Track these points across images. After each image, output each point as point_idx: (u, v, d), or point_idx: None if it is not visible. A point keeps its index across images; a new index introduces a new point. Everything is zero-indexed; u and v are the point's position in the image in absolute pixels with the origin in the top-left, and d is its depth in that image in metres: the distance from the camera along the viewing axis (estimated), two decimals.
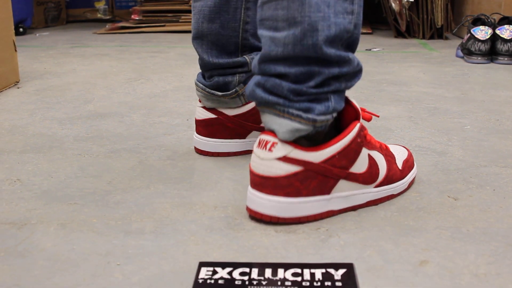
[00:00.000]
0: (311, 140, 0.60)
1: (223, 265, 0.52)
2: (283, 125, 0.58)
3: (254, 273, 0.50)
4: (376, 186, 0.66)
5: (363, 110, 0.67)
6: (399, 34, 2.58)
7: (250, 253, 0.56)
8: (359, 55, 2.01)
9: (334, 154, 0.60)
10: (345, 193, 0.63)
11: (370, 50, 2.17)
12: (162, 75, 1.60)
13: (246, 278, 0.50)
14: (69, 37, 2.70)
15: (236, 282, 0.49)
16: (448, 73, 1.65)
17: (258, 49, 0.82)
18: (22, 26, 2.76)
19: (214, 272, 0.51)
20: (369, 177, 0.65)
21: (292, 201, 0.59)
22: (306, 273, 0.50)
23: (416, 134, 1.00)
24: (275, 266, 0.52)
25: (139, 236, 0.60)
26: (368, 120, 0.67)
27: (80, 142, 0.95)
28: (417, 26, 2.53)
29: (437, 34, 2.52)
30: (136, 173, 0.80)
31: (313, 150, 0.59)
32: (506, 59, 1.80)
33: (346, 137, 0.60)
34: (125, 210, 0.66)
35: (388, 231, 0.60)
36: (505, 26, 1.83)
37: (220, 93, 0.81)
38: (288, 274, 0.50)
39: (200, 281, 0.49)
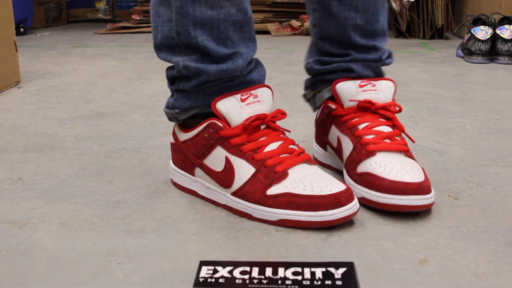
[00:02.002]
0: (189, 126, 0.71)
1: (224, 264, 0.52)
2: None
3: (255, 272, 0.51)
4: (232, 194, 0.64)
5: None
6: (400, 34, 2.57)
7: (250, 252, 0.56)
8: None
9: (186, 139, 0.70)
10: (206, 183, 0.68)
11: None
12: (163, 75, 1.60)
13: (246, 277, 0.50)
14: (70, 37, 2.70)
15: (237, 281, 0.49)
16: (449, 73, 1.65)
17: (324, 52, 0.78)
18: (23, 26, 2.76)
19: (215, 271, 0.51)
20: (222, 179, 0.65)
21: (172, 166, 0.74)
22: (307, 272, 0.51)
23: (417, 133, 1.00)
24: (275, 265, 0.52)
25: (140, 235, 0.60)
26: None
27: (81, 142, 0.95)
28: (417, 26, 2.53)
29: (438, 34, 2.52)
30: (137, 172, 0.80)
31: (182, 130, 0.71)
32: (506, 59, 1.80)
33: (195, 130, 0.68)
34: (126, 210, 0.67)
35: (388, 230, 0.61)
36: (506, 26, 1.83)
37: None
38: (289, 273, 0.50)
39: (201, 280, 0.49)
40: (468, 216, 0.64)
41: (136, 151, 0.90)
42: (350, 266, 0.51)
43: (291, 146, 0.66)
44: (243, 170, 0.64)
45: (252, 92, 0.67)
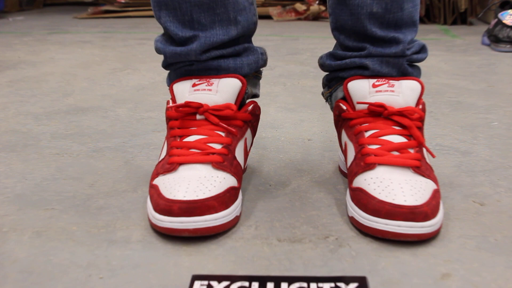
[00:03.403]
0: None
1: (219, 278, 0.52)
2: None
3: (255, 287, 0.50)
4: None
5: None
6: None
7: (249, 265, 0.56)
8: None
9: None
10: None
11: None
12: (151, 64, 1.59)
13: None
14: (47, 22, 2.70)
15: None
16: (473, 62, 1.65)
17: (341, 46, 0.76)
18: None
19: (209, 287, 0.50)
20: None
21: None
22: (313, 287, 0.50)
23: (437, 131, 0.99)
24: (278, 280, 0.51)
25: (125, 245, 0.60)
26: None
27: (58, 140, 0.95)
28: (437, 10, 2.52)
29: (460, 19, 2.52)
30: (121, 174, 0.80)
31: None
32: None
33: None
34: (109, 217, 0.66)
35: (405, 240, 0.60)
36: None
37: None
38: None
39: None
40: (496, 225, 0.64)
41: (121, 151, 0.90)
42: (362, 281, 0.51)
43: (212, 145, 0.67)
44: (162, 154, 0.70)
45: (211, 80, 0.70)
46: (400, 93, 0.69)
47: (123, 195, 0.73)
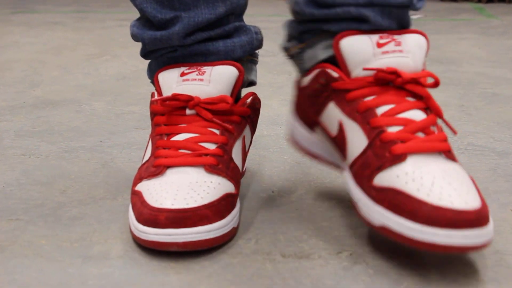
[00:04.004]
0: None
1: None
2: None
3: None
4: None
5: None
6: None
7: (249, 284, 0.56)
8: None
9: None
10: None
11: None
12: (133, 50, 1.59)
13: None
14: None
15: None
16: None
17: None
18: None
19: None
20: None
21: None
22: None
23: (469, 128, 1.00)
24: None
25: (103, 262, 0.60)
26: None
27: (24, 139, 0.95)
28: None
29: None
30: (98, 179, 0.80)
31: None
32: None
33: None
34: (84, 228, 0.66)
35: (430, 255, 0.60)
36: None
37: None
38: None
39: None
40: None
41: (98, 151, 0.90)
42: None
43: (205, 144, 0.67)
44: (146, 156, 0.70)
45: (202, 68, 0.69)
46: (409, 53, 0.63)
47: (100, 203, 0.73)
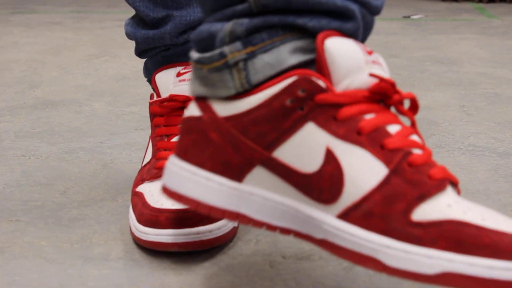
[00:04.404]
0: None
1: None
2: None
3: None
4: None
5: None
6: None
7: (249, 285, 0.56)
8: (394, 23, 2.01)
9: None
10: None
11: (409, 17, 2.17)
12: (133, 50, 1.59)
13: None
14: None
15: None
16: None
17: None
18: None
19: None
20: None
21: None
22: None
23: (470, 129, 1.00)
24: None
25: (103, 263, 0.60)
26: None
27: (24, 140, 0.95)
28: None
29: None
30: (98, 180, 0.80)
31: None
32: None
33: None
34: (84, 230, 0.66)
35: None
36: None
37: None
38: None
39: None
40: None
41: (98, 152, 0.90)
42: None
43: None
44: (147, 157, 0.70)
45: None
46: (384, 67, 0.51)
47: (100, 204, 0.73)
